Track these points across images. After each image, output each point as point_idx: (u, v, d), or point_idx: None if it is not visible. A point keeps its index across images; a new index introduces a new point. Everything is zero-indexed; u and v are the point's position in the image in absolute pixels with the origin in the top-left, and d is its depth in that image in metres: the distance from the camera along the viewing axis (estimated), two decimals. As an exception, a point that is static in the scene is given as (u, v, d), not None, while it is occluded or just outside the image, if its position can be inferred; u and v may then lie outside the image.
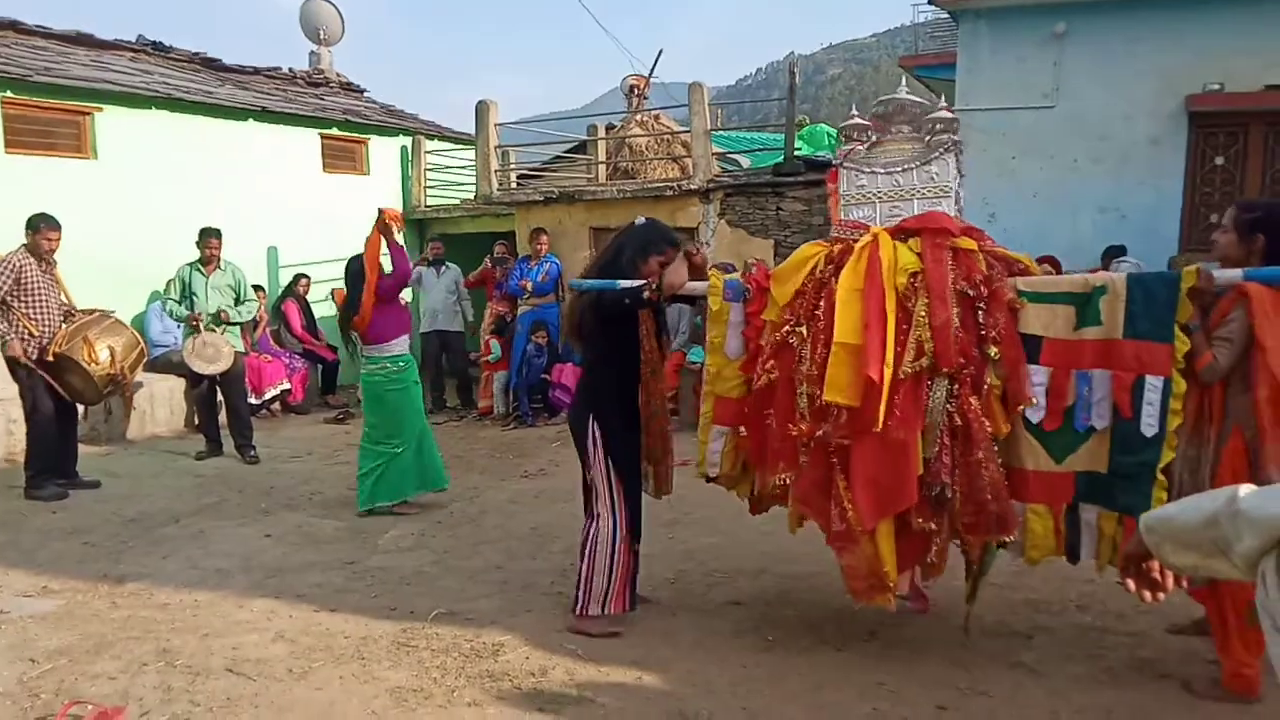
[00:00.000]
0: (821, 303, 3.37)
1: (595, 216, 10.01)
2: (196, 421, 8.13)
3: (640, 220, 4.04)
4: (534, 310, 9.29)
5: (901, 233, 3.42)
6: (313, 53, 13.64)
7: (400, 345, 5.83)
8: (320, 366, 10.40)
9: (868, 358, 3.12)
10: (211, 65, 11.90)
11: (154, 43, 11.64)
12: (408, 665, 3.53)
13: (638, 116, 12.05)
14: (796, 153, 9.39)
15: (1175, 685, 3.20)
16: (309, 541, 5.29)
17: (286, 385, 9.66)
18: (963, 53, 8.44)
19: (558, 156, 13.20)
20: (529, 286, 9.21)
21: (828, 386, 3.17)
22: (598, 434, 3.83)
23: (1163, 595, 1.67)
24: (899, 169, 3.57)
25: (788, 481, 3.39)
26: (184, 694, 3.29)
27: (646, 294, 3.64)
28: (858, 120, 3.69)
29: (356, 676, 3.43)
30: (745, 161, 10.71)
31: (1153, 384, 3.04)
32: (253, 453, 7.48)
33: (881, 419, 3.10)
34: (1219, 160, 7.74)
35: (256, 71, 12.49)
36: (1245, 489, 1.42)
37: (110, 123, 9.14)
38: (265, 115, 10.71)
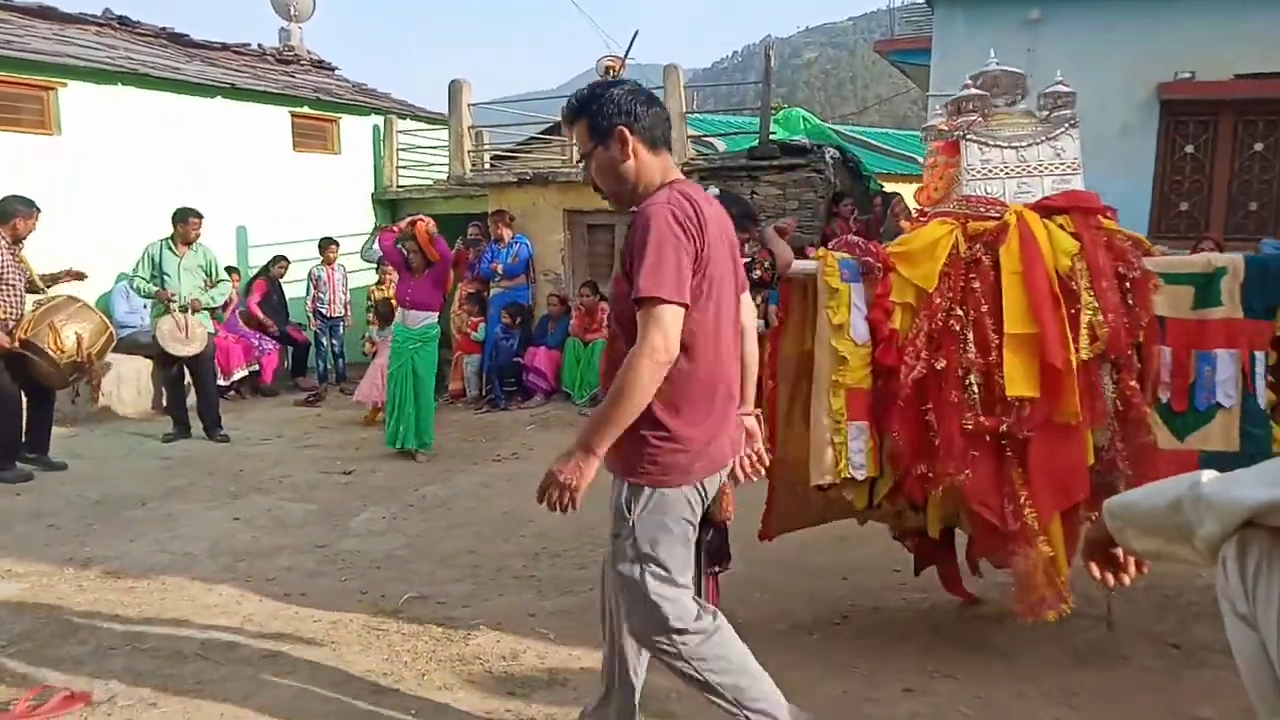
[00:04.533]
0: (976, 283, 3.14)
1: (569, 199, 9.94)
2: (164, 403, 8.03)
3: (713, 190, 3.75)
4: (505, 293, 9.27)
5: (1045, 211, 3.26)
6: (283, 29, 13.42)
7: None
8: (291, 349, 10.29)
9: (1047, 345, 2.99)
10: (179, 40, 11.68)
11: (120, 16, 11.40)
12: (378, 650, 3.51)
13: (613, 98, 11.94)
14: (771, 137, 9.37)
15: (1136, 667, 3.25)
16: (279, 525, 5.25)
17: (255, 366, 9.56)
18: (937, 38, 8.46)
19: (532, 138, 13.07)
20: (499, 269, 9.19)
21: (1009, 382, 3.01)
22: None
23: (1127, 579, 1.68)
24: (1024, 144, 3.39)
25: (961, 481, 3.07)
26: (152, 678, 3.25)
27: (758, 273, 3.23)
28: (972, 90, 3.42)
29: (327, 661, 3.41)
30: (720, 145, 10.66)
31: (1259, 358, 3.15)
32: (222, 434, 7.41)
33: (1075, 408, 2.98)
34: (1189, 149, 7.82)
35: (225, 48, 12.27)
36: (1208, 474, 1.42)
37: (74, 98, 8.96)
38: (234, 92, 10.55)
